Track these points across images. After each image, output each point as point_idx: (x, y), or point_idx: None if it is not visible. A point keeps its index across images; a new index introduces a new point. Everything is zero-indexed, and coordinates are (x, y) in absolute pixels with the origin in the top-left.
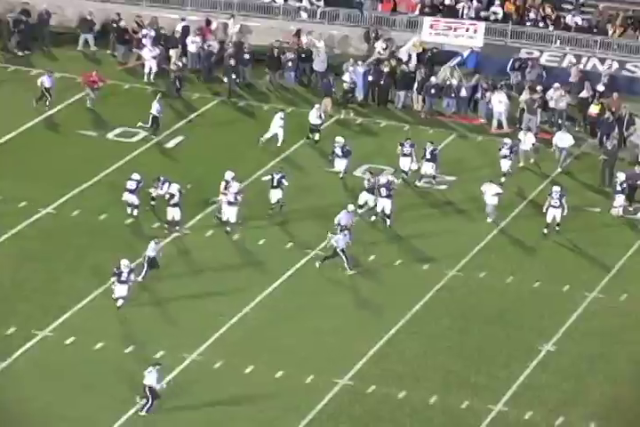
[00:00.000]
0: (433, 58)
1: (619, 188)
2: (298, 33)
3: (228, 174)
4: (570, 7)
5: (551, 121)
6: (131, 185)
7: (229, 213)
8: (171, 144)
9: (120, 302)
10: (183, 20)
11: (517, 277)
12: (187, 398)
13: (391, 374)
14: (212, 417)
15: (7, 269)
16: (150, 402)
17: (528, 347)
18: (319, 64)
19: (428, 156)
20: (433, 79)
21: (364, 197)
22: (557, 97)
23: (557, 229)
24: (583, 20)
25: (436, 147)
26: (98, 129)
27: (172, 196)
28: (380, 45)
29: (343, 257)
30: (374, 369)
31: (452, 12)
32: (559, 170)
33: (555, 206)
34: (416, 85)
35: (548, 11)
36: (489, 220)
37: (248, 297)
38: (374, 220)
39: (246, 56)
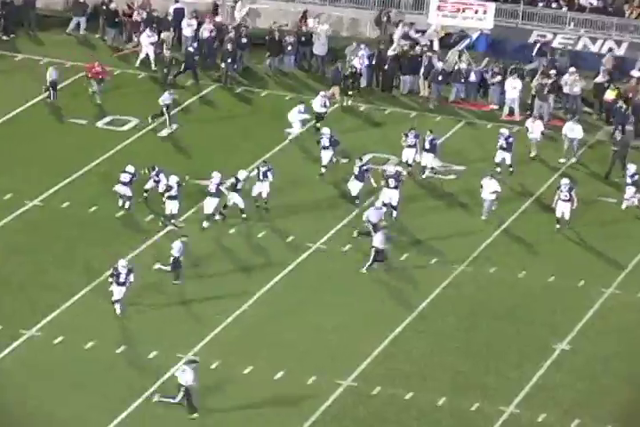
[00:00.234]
0: (440, 41)
1: (629, 180)
2: (304, 15)
3: (242, 174)
4: None
5: (565, 107)
6: (124, 178)
7: (208, 205)
8: (164, 133)
9: (117, 306)
10: (177, 1)
11: (529, 273)
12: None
13: (397, 374)
14: (207, 421)
15: None
16: (187, 402)
17: (541, 346)
18: (320, 48)
19: (427, 146)
20: (440, 64)
21: (354, 185)
22: (572, 82)
23: (568, 223)
24: (598, 0)
25: (435, 136)
26: (87, 117)
27: (170, 188)
28: (399, 31)
29: (371, 257)
30: (379, 369)
31: None
32: (570, 161)
33: (564, 200)
34: (423, 70)
35: None
36: (483, 217)
37: (246, 293)
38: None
39: (244, 40)
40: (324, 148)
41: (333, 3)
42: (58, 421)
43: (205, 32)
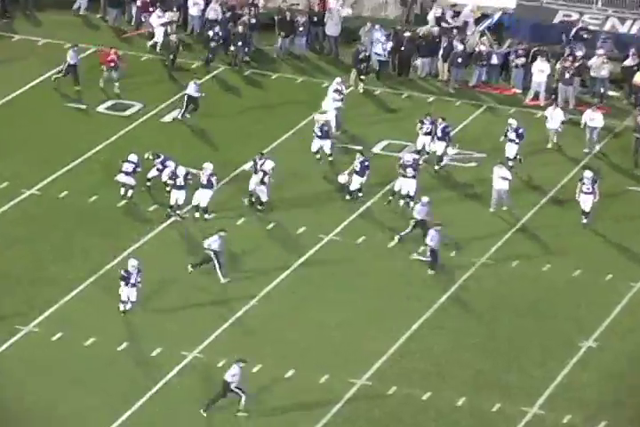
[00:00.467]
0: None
1: None
2: None
3: (269, 164)
4: None
5: (592, 91)
6: (127, 168)
7: (202, 197)
8: (168, 118)
9: (129, 306)
10: None
11: (553, 266)
12: (186, 401)
13: (414, 373)
14: (214, 420)
15: None
16: (243, 397)
17: (566, 343)
18: (332, 28)
19: (440, 134)
20: (460, 46)
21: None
22: (598, 64)
23: (587, 216)
24: None
25: (448, 124)
26: (87, 101)
27: (176, 176)
28: (433, 13)
29: (429, 257)
30: (395, 368)
31: None
32: (588, 151)
33: (587, 193)
34: (441, 52)
35: None
36: (491, 210)
37: (254, 288)
38: (390, 201)
39: (253, 21)
40: (318, 137)
41: None
42: (57, 417)
43: (212, 12)
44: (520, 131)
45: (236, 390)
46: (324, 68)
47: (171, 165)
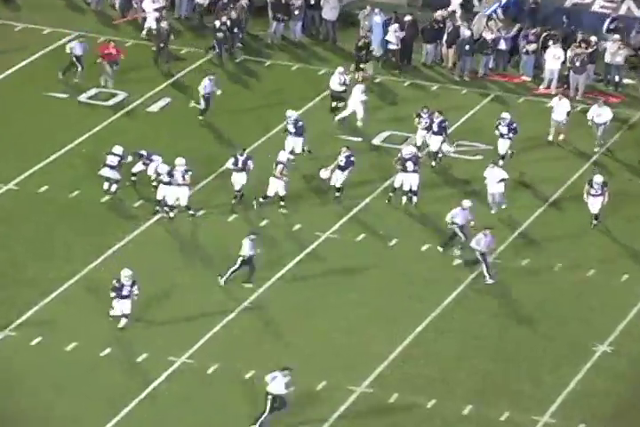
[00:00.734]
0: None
1: None
2: None
3: (282, 155)
4: None
5: (607, 79)
6: (111, 161)
7: (180, 195)
8: (154, 108)
9: (123, 322)
10: None
11: (565, 266)
12: (176, 409)
13: (418, 379)
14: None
15: None
16: (267, 412)
17: (579, 347)
18: (329, 12)
19: (436, 128)
20: (467, 32)
21: (337, 176)
22: (613, 50)
23: (597, 218)
24: None
25: (445, 118)
26: (68, 90)
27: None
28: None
29: (483, 263)
30: (398, 374)
31: None
32: (600, 149)
33: (595, 195)
34: (446, 37)
35: None
36: (493, 211)
37: (247, 290)
38: (390, 198)
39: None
40: (291, 134)
41: None
42: (35, 426)
43: None
44: (514, 125)
45: (270, 403)
46: (320, 55)
47: (157, 159)
